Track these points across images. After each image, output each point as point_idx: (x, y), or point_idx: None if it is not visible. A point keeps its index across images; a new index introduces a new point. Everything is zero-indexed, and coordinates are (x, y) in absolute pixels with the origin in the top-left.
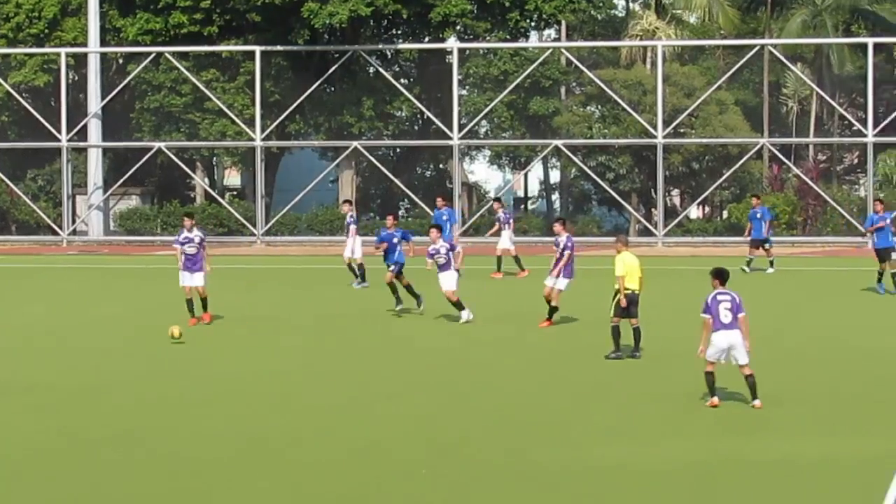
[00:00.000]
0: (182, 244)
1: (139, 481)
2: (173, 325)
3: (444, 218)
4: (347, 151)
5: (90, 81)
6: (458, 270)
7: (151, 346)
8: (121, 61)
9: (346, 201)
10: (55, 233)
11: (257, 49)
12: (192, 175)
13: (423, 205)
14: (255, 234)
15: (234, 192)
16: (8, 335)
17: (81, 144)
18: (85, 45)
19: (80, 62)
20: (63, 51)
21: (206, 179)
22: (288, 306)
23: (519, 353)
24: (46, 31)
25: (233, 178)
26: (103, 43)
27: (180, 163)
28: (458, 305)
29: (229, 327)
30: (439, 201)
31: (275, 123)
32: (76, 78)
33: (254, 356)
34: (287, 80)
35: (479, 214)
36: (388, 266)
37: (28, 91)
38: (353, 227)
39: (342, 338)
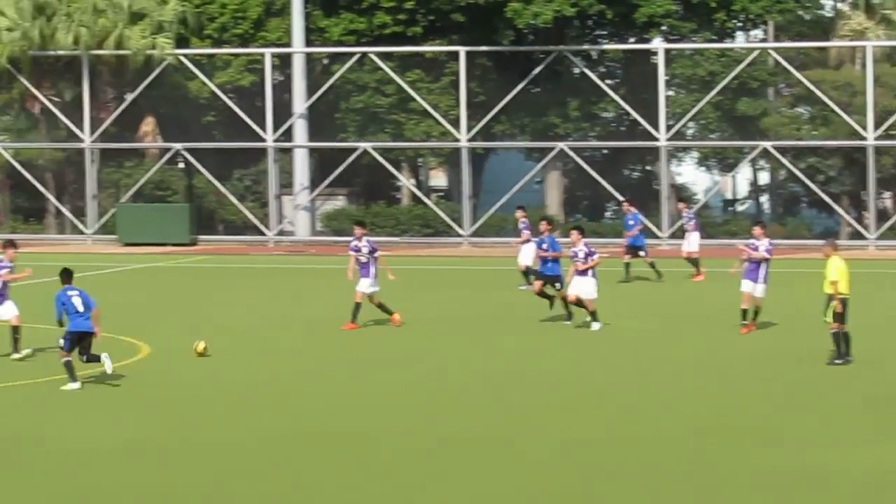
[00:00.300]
0: (354, 252)
1: (351, 475)
2: (198, 341)
3: (631, 222)
4: (553, 153)
5: (295, 82)
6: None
7: (356, 345)
8: (325, 61)
9: (519, 207)
10: (261, 233)
11: (461, 49)
12: (398, 175)
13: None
14: (461, 235)
15: (440, 193)
16: (215, 334)
17: (287, 145)
18: (289, 45)
19: (284, 62)
20: (268, 51)
21: (412, 180)
22: (493, 306)
23: (725, 356)
24: (251, 31)
25: (438, 178)
26: (308, 43)
27: (386, 163)
28: (594, 315)
29: (433, 327)
30: (625, 206)
31: (480, 124)
32: (281, 78)
33: (460, 356)
34: (491, 81)
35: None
36: (541, 275)
37: (233, 91)
38: (525, 233)
39: (549, 339)
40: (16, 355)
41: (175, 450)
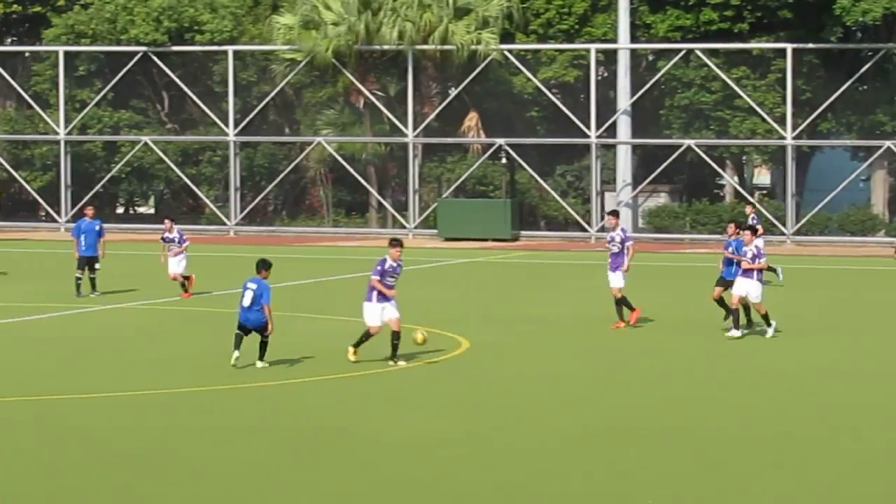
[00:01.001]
0: (609, 242)
1: (658, 471)
2: (417, 332)
3: None
4: (880, 151)
5: (619, 78)
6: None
7: (673, 342)
8: (650, 58)
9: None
10: (583, 229)
11: (788, 46)
12: (722, 173)
13: None
14: (784, 234)
15: (764, 191)
16: (532, 328)
17: (610, 141)
18: (614, 41)
19: (609, 58)
20: (592, 47)
21: (736, 178)
22: (819, 307)
23: None
24: (576, 26)
25: (762, 176)
26: (633, 39)
27: (709, 160)
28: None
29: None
30: None
31: (806, 122)
32: (605, 74)
33: (774, 356)
34: (818, 78)
35: None
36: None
37: (557, 87)
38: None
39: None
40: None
41: (487, 445)
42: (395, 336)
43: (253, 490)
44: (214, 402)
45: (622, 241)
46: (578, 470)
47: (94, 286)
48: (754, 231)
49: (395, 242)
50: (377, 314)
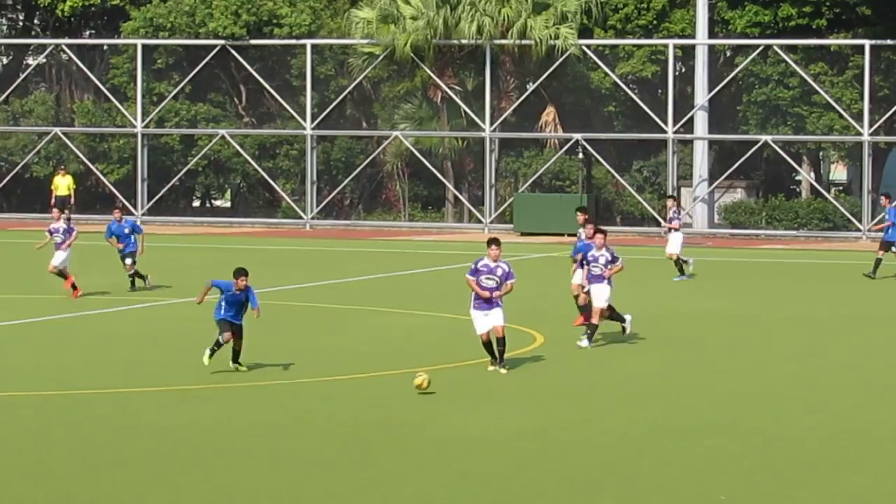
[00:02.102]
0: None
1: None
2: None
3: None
4: None
5: (697, 73)
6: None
7: (752, 339)
8: (728, 53)
9: (669, 196)
10: (659, 225)
11: (867, 43)
12: (798, 169)
13: None
14: (860, 230)
15: (840, 188)
16: (609, 325)
17: (687, 136)
18: (693, 36)
19: (686, 54)
20: (671, 42)
21: (812, 174)
22: (885, 305)
23: None
24: (655, 22)
25: (839, 172)
26: (711, 35)
27: (786, 156)
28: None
29: (827, 323)
30: (883, 199)
31: (883, 118)
32: (683, 69)
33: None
34: None
35: None
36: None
37: (635, 82)
38: (675, 222)
39: None
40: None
41: (560, 439)
42: (500, 342)
43: (324, 485)
44: (287, 397)
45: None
46: (649, 464)
47: (140, 276)
48: (602, 232)
49: (493, 242)
50: (480, 320)
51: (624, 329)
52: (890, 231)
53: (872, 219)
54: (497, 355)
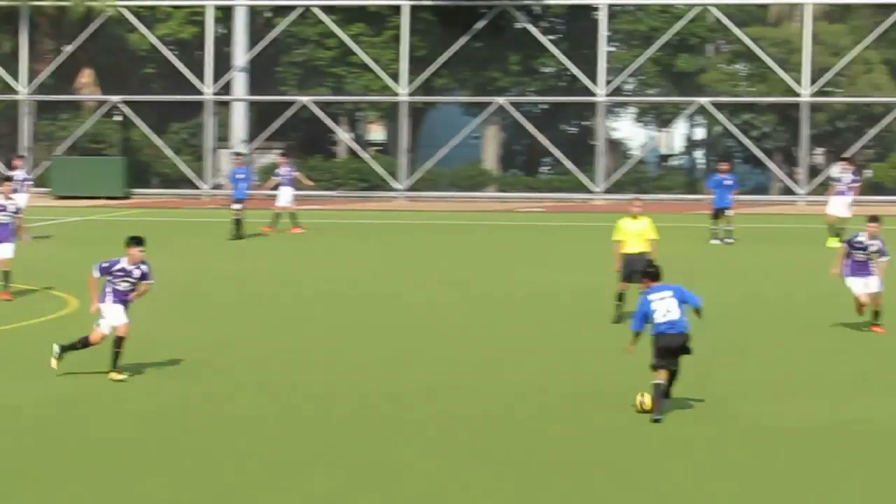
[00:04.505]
0: None
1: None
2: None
3: (729, 183)
4: (492, 108)
5: (236, 35)
6: None
7: (275, 302)
8: (267, 15)
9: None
10: (196, 187)
11: (405, 3)
12: (336, 129)
13: (566, 162)
14: (397, 189)
15: (379, 148)
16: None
17: (226, 98)
18: None
19: (227, 15)
20: (210, 3)
21: (350, 134)
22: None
23: None
24: None
25: (377, 133)
26: None
27: (325, 117)
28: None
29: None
30: (722, 165)
31: (421, 79)
32: (223, 31)
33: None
34: (434, 35)
35: (622, 172)
36: None
37: (174, 44)
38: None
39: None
40: None
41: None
42: (83, 342)
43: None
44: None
45: None
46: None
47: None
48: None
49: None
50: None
51: None
52: (718, 197)
53: (409, 178)
54: (70, 348)
